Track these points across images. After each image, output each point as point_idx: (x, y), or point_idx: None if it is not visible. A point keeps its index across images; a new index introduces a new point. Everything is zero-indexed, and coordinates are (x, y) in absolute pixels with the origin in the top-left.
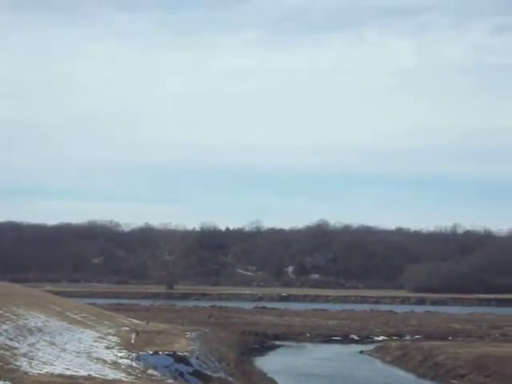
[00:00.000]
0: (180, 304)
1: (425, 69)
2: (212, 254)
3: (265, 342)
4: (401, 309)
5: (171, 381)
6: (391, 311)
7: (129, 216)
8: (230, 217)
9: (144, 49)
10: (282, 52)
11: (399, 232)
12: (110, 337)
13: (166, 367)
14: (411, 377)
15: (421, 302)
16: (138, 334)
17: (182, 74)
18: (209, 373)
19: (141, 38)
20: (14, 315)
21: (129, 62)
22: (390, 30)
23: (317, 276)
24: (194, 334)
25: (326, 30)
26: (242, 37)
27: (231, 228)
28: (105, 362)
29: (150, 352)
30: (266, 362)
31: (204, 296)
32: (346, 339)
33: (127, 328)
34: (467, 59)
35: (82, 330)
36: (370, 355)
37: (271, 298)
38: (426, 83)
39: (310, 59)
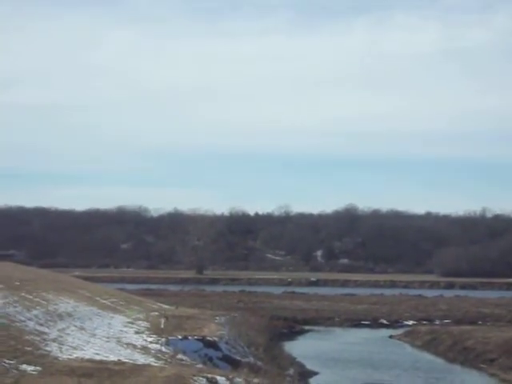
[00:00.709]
0: (209, 289)
1: (450, 51)
2: (241, 239)
3: (294, 327)
4: (430, 293)
5: (200, 365)
6: (420, 296)
7: (158, 201)
8: (259, 201)
9: (164, 34)
10: (309, 36)
11: (428, 216)
12: (140, 322)
13: (196, 352)
14: (441, 361)
15: (450, 286)
16: (167, 318)
17: (205, 59)
18: (238, 357)
19: (161, 24)
20: (43, 300)
21: (152, 47)
22: (416, 14)
23: (346, 260)
24: (223, 318)
25: (351, 13)
26: (264, 22)
27: (260, 213)
28: (134, 346)
29: (180, 337)
30: (295, 347)
31: (233, 281)
32: (375, 324)
33: (156, 313)
34: (493, 42)
35: (112, 315)
36: (399, 339)
37: (300, 283)
38: (451, 66)
39: (335, 43)
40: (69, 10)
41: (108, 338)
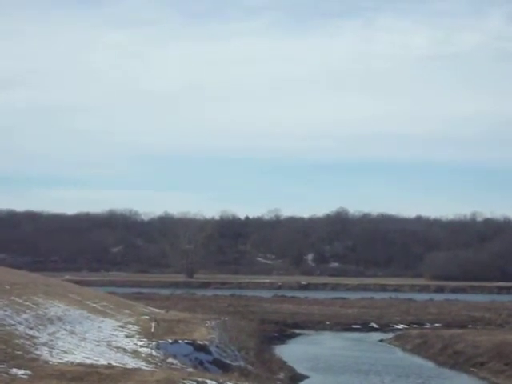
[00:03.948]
0: (199, 293)
1: (439, 56)
2: (231, 243)
3: (284, 331)
4: (420, 297)
5: (191, 369)
6: (411, 299)
7: (148, 205)
8: (249, 205)
9: (155, 37)
10: (294, 39)
11: (418, 220)
12: (130, 325)
13: (186, 356)
14: (431, 365)
15: (440, 290)
16: (157, 322)
17: (197, 62)
18: (228, 361)
19: (151, 26)
20: (33, 304)
21: (143, 50)
22: (405, 17)
23: (336, 264)
24: (213, 322)
25: (339, 16)
26: (253, 23)
27: (250, 216)
28: (125, 350)
29: (170, 341)
30: (286, 351)
31: (223, 285)
32: (365, 327)
33: (147, 317)
34: (483, 46)
35: (102, 318)
36: (389, 343)
37: (290, 287)
38: (441, 69)
39: (321, 45)
40: (64, 13)
41: (98, 341)
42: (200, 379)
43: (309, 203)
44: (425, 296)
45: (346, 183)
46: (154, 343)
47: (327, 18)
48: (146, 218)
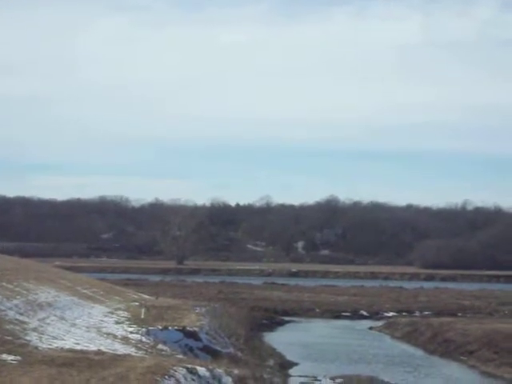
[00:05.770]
0: (190, 279)
1: (431, 43)
2: (222, 230)
3: (274, 318)
4: (410, 285)
5: (181, 356)
6: (401, 287)
7: (139, 191)
8: (240, 193)
9: (152, 23)
10: (288, 26)
11: (409, 208)
12: (120, 312)
13: (176, 342)
14: (420, 353)
15: (430, 278)
16: (147, 309)
17: (189, 49)
18: (218, 348)
19: (148, 13)
20: (24, 290)
21: (138, 37)
22: (396, 3)
23: (326, 252)
24: (203, 309)
25: (331, 3)
26: (247, 11)
27: (241, 204)
28: (115, 336)
29: (160, 327)
30: (275, 338)
31: (214, 271)
32: (355, 315)
33: (137, 303)
34: (474, 34)
35: (92, 304)
36: (379, 331)
37: (281, 274)
38: (432, 58)
39: (315, 32)
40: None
41: (88, 327)
42: (190, 366)
43: (299, 191)
44: (415, 284)
45: (336, 171)
46: (143, 329)
47: (323, 5)
48: (136, 204)
